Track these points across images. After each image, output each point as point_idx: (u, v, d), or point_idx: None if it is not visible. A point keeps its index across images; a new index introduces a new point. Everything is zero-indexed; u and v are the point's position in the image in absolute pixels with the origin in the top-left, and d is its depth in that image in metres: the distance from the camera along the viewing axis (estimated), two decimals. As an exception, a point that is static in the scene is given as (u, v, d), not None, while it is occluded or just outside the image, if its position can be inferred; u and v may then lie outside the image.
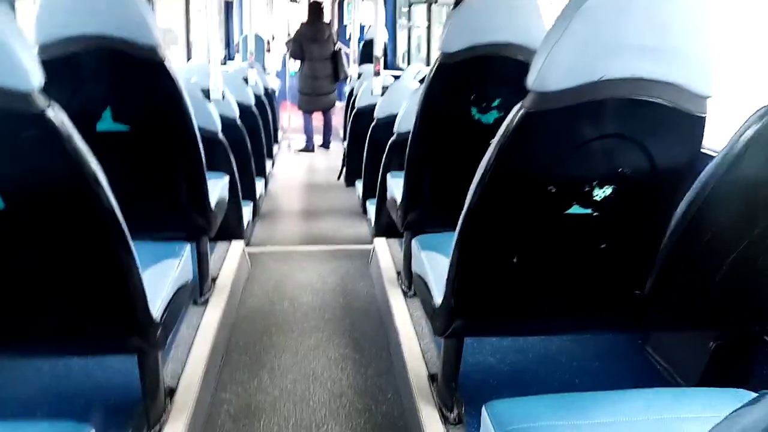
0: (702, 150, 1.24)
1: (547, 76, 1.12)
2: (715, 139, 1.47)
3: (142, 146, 1.85)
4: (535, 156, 1.20)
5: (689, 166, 1.24)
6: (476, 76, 1.90)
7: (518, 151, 1.18)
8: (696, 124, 1.18)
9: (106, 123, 1.77)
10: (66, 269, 1.22)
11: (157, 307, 1.40)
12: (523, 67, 1.79)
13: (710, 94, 1.17)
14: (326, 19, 6.31)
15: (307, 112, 6.38)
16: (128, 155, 1.81)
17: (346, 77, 6.11)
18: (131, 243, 1.22)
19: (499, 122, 1.89)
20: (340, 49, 6.08)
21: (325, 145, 6.69)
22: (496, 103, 1.92)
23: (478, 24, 1.82)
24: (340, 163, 5.00)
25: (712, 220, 1.31)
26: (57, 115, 1.04)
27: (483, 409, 1.09)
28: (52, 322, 1.30)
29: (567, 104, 1.13)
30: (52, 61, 1.62)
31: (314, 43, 5.98)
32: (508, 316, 1.45)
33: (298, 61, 6.23)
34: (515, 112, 1.16)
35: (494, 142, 1.20)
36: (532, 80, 1.14)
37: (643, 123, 1.18)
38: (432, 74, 1.93)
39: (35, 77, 1.00)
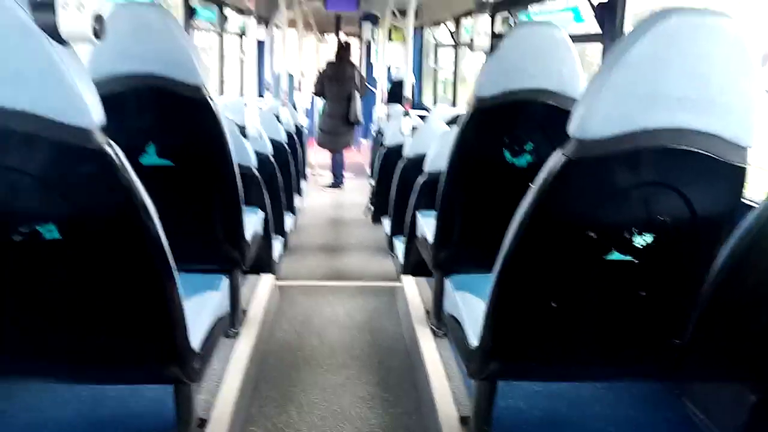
0: (743, 200, 1.25)
1: (588, 123, 1.15)
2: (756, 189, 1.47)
3: (184, 180, 1.91)
4: (575, 202, 1.22)
5: (729, 215, 1.24)
6: (509, 120, 1.94)
7: (558, 197, 1.20)
8: (736, 174, 1.19)
9: (151, 157, 1.85)
10: (112, 298, 1.26)
11: (196, 338, 1.43)
12: (556, 113, 1.85)
13: (750, 144, 1.19)
14: (353, 59, 6.43)
15: (323, 148, 6.46)
16: (170, 189, 1.87)
17: (357, 121, 6.17)
18: (176, 273, 1.26)
19: (531, 165, 1.94)
20: (354, 92, 6.12)
21: (335, 184, 6.60)
22: (528, 147, 1.95)
23: (513, 69, 1.87)
24: (366, 199, 5.06)
25: (753, 270, 1.30)
26: (114, 151, 1.09)
27: None
28: (95, 349, 1.33)
29: (607, 152, 1.16)
30: (101, 96, 1.70)
31: (335, 82, 6.07)
32: (545, 360, 1.44)
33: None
34: (556, 159, 1.19)
35: (533, 187, 1.23)
36: (573, 128, 1.17)
37: (682, 172, 1.20)
38: (466, 117, 1.97)
39: (96, 115, 1.06)
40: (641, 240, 1.23)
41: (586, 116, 1.15)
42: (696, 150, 1.16)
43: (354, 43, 9.66)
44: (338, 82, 6.08)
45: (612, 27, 2.39)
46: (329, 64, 6.30)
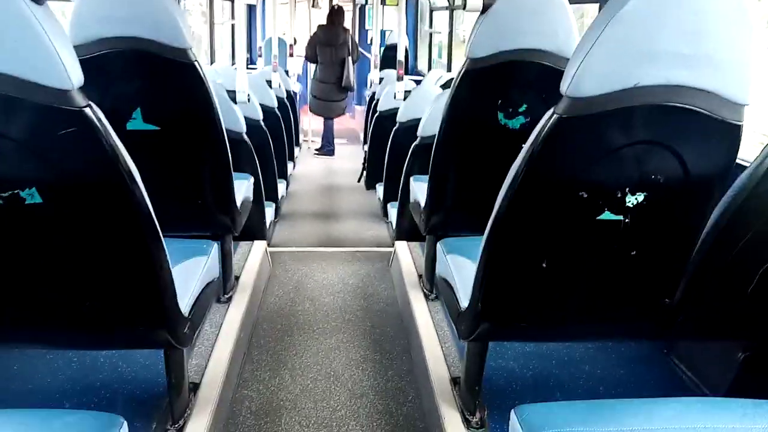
0: (737, 161, 1.23)
1: (581, 82, 1.12)
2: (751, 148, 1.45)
3: (171, 146, 1.88)
4: (567, 162, 1.20)
5: (724, 174, 1.23)
6: (503, 81, 1.90)
7: (550, 156, 1.18)
8: (732, 132, 1.17)
9: (137, 122, 1.81)
10: (99, 263, 1.25)
11: (185, 303, 1.42)
12: (550, 73, 1.81)
13: (747, 102, 1.16)
14: (346, 24, 6.30)
15: (316, 115, 6.37)
16: (157, 154, 1.84)
17: (350, 87, 6.07)
18: (162, 239, 1.24)
19: (525, 127, 1.92)
20: (348, 57, 6.02)
21: (326, 151, 6.51)
22: (522, 108, 1.92)
23: (505, 30, 1.83)
24: (359, 166, 5.02)
25: (745, 230, 1.29)
26: (94, 112, 1.06)
27: (512, 413, 1.09)
28: (84, 315, 1.32)
29: (600, 110, 1.13)
30: (85, 60, 1.66)
31: (328, 47, 5.95)
32: (535, 321, 1.45)
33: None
34: (548, 118, 1.16)
35: (525, 147, 1.21)
36: (565, 86, 1.14)
37: (677, 130, 1.17)
38: (459, 79, 1.93)
39: (75, 76, 1.03)
40: (633, 200, 1.21)
41: (579, 74, 1.12)
42: (691, 107, 1.14)
43: (347, 7, 9.48)
44: (331, 47, 5.97)
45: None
46: (321, 28, 6.16)
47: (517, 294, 1.39)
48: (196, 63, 1.77)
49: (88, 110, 1.04)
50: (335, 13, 6.14)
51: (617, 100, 1.12)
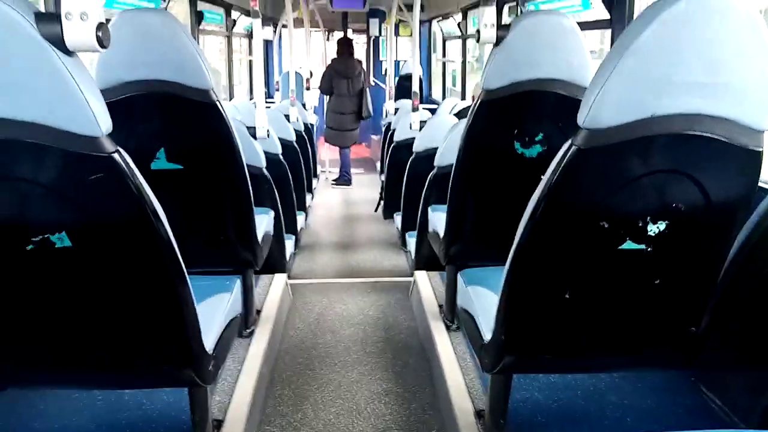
0: (760, 184, 1.22)
1: (598, 113, 1.12)
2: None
3: (194, 184, 1.92)
4: (587, 192, 1.20)
5: (745, 200, 1.21)
6: (519, 111, 1.91)
7: (570, 187, 1.19)
8: (752, 159, 1.16)
9: (161, 162, 1.85)
10: (125, 303, 1.27)
11: (209, 340, 1.43)
12: (566, 101, 1.82)
13: (766, 128, 1.16)
14: (357, 55, 6.42)
15: (332, 145, 6.47)
16: (181, 192, 1.88)
17: (370, 115, 6.18)
18: (187, 277, 1.26)
19: (542, 156, 1.92)
20: (366, 87, 6.14)
21: (343, 181, 6.60)
22: (539, 137, 1.92)
23: (521, 60, 1.85)
24: (377, 195, 5.05)
25: None
26: (122, 157, 1.10)
27: None
28: (110, 354, 1.34)
29: (618, 140, 1.13)
30: (111, 103, 1.71)
31: (343, 78, 6.08)
32: (560, 352, 1.43)
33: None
34: (566, 149, 1.17)
35: (544, 178, 1.21)
36: (583, 117, 1.15)
37: (696, 158, 1.17)
38: (475, 110, 1.95)
39: (104, 123, 1.07)
40: (655, 228, 1.21)
41: (596, 105, 1.12)
42: (710, 135, 1.14)
43: (362, 39, 9.66)
44: (346, 78, 6.08)
45: (621, 13, 2.35)
46: (335, 60, 6.29)
47: (540, 325, 1.37)
48: (218, 103, 1.82)
49: (116, 155, 1.08)
50: (346, 44, 6.27)
51: (635, 130, 1.13)
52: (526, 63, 1.83)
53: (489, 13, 1.86)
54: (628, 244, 1.22)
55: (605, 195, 1.18)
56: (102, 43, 0.99)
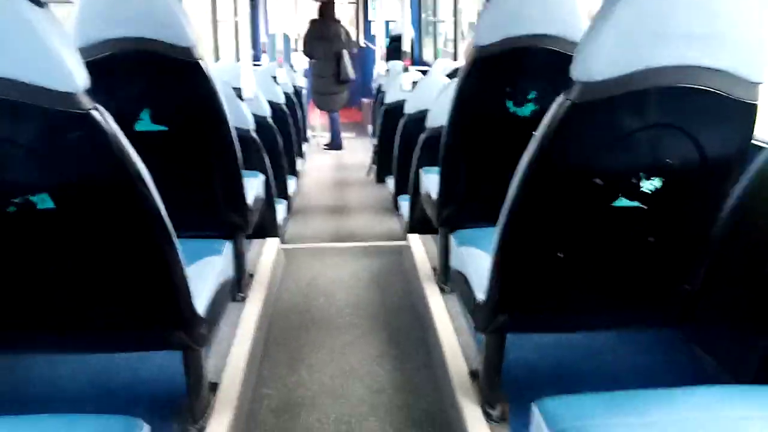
0: (753, 141, 1.20)
1: (592, 65, 1.10)
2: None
3: (180, 146, 1.88)
4: (580, 148, 1.18)
5: (740, 155, 1.20)
6: (511, 68, 1.88)
7: (563, 143, 1.17)
8: (747, 112, 1.14)
9: (145, 123, 1.81)
10: (113, 266, 1.25)
11: (201, 304, 1.42)
12: (559, 59, 1.78)
13: (762, 80, 1.14)
14: (346, 16, 6.29)
15: (320, 109, 6.39)
16: (166, 155, 1.84)
17: (348, 79, 6.06)
18: (175, 240, 1.24)
19: (535, 115, 1.89)
20: (344, 50, 6.02)
21: (334, 146, 6.56)
22: (531, 95, 1.89)
23: (512, 16, 1.80)
24: (368, 159, 5.01)
25: (765, 211, 1.27)
26: (102, 115, 1.06)
27: (533, 407, 1.08)
28: (100, 318, 1.33)
29: (613, 94, 1.11)
30: (90, 63, 1.65)
31: (321, 41, 5.96)
32: (553, 311, 1.43)
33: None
34: (559, 104, 1.14)
35: (537, 134, 1.19)
36: (576, 71, 1.12)
37: (691, 112, 1.15)
38: (466, 68, 1.91)
39: (80, 78, 1.03)
40: (649, 184, 1.19)
41: (589, 58, 1.10)
42: (705, 88, 1.12)
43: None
44: (325, 40, 5.97)
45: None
46: (313, 22, 6.15)
47: (533, 284, 1.37)
48: (200, 61, 1.77)
49: (95, 112, 1.04)
50: (325, 6, 6.14)
51: (629, 83, 1.10)
52: (518, 17, 1.79)
53: None
54: (622, 201, 1.21)
55: (599, 151, 1.17)
56: None
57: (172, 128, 1.82)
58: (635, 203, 1.21)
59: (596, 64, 1.09)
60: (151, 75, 1.78)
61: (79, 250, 1.21)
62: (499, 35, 1.81)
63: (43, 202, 1.10)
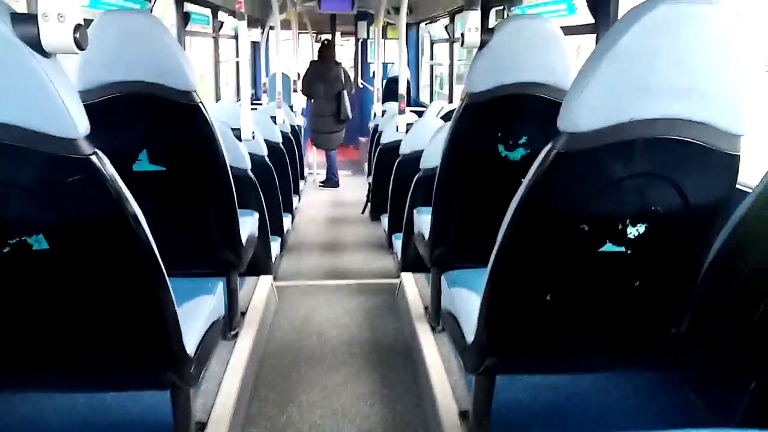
0: (738, 186, 1.24)
1: (578, 117, 1.14)
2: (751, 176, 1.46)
3: (177, 186, 1.91)
4: (566, 195, 1.21)
5: (724, 203, 1.23)
6: (503, 114, 1.93)
7: (550, 190, 1.20)
8: (730, 162, 1.18)
9: (143, 164, 1.84)
10: (104, 306, 1.26)
11: (191, 343, 1.43)
12: (549, 105, 1.84)
13: (742, 132, 1.18)
14: (345, 57, 6.45)
15: (317, 148, 6.49)
16: (163, 194, 1.87)
17: (348, 119, 6.19)
18: (167, 280, 1.25)
19: (526, 159, 1.94)
20: (344, 90, 6.16)
21: (330, 183, 6.64)
22: (522, 140, 1.94)
23: (504, 64, 1.86)
24: (364, 197, 5.05)
25: (749, 257, 1.30)
26: (100, 159, 1.09)
27: None
28: (90, 357, 1.33)
29: (598, 144, 1.15)
30: (91, 105, 1.69)
31: (321, 81, 6.09)
32: (542, 353, 1.44)
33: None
34: (546, 153, 1.18)
35: (525, 181, 1.22)
36: (562, 121, 1.16)
37: (675, 162, 1.19)
38: (459, 113, 1.96)
39: (81, 125, 1.06)
40: (634, 231, 1.22)
41: (575, 109, 1.14)
42: (688, 139, 1.16)
43: (350, 41, 9.66)
44: (324, 81, 6.10)
45: (605, 18, 2.38)
46: (313, 63, 6.30)
47: (522, 327, 1.39)
48: (201, 105, 1.81)
49: (94, 158, 1.07)
50: (325, 48, 6.29)
51: (614, 134, 1.14)
52: (509, 67, 1.85)
53: (473, 17, 1.87)
54: (608, 247, 1.24)
55: (585, 198, 1.20)
56: (79, 44, 0.98)
57: (169, 168, 1.85)
58: (621, 248, 1.24)
59: (582, 116, 1.13)
60: (151, 117, 1.83)
61: (72, 289, 1.22)
62: (492, 83, 1.87)
63: (39, 243, 1.12)
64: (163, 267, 1.22)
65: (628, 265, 1.27)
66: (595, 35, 2.47)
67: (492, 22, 4.33)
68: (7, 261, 1.13)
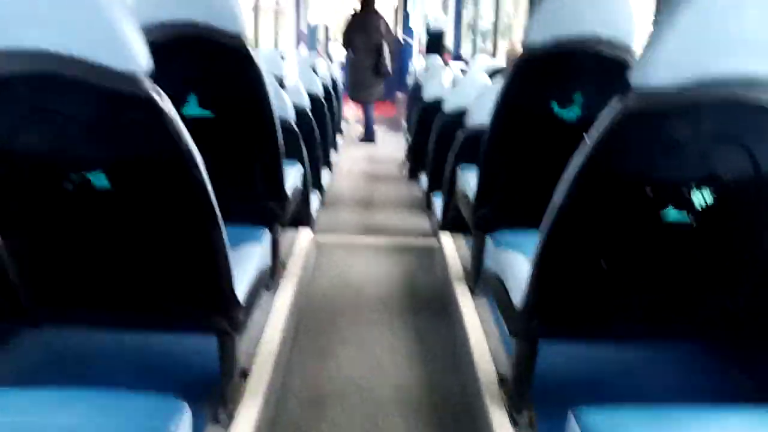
0: None
1: (651, 73, 1.06)
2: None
3: (225, 133, 1.89)
4: (632, 156, 1.15)
5: None
6: (559, 71, 1.84)
7: (615, 150, 1.14)
8: None
9: (191, 108, 1.83)
10: (161, 247, 1.27)
11: (240, 290, 1.44)
12: (608, 63, 1.74)
13: None
14: (379, 9, 6.25)
15: (355, 101, 6.39)
16: (211, 141, 1.85)
17: (388, 74, 6.03)
18: (222, 224, 1.25)
19: (580, 119, 1.85)
20: (384, 43, 5.99)
21: (367, 138, 6.56)
22: (578, 99, 1.85)
23: (564, 17, 1.76)
24: (401, 153, 4.99)
25: None
26: (161, 98, 1.07)
27: (570, 415, 1.06)
28: (145, 297, 1.36)
29: (670, 104, 1.08)
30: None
31: (361, 33, 5.95)
32: (591, 320, 1.41)
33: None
34: (613, 110, 1.11)
35: (588, 140, 1.16)
36: (634, 77, 1.09)
37: (749, 127, 1.11)
38: (513, 69, 1.88)
39: (144, 61, 1.04)
40: (700, 197, 1.16)
41: (649, 64, 1.06)
42: (765, 105, 1.07)
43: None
44: (365, 32, 5.95)
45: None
46: (354, 15, 6.14)
47: (573, 291, 1.35)
48: (250, 49, 1.78)
49: (156, 96, 1.06)
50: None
51: (688, 93, 1.07)
52: (569, 18, 1.75)
53: None
54: (671, 213, 1.18)
55: (651, 159, 1.14)
56: None
57: (217, 114, 1.84)
58: (684, 216, 1.18)
59: (655, 72, 1.06)
60: (201, 60, 1.80)
61: (130, 229, 1.24)
62: (549, 36, 1.77)
63: (99, 180, 1.12)
64: (218, 210, 1.22)
65: (690, 234, 1.21)
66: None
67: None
68: (69, 197, 1.14)
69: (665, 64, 1.05)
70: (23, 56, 1.02)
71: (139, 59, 1.03)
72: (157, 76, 1.10)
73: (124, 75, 1.03)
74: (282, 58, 3.88)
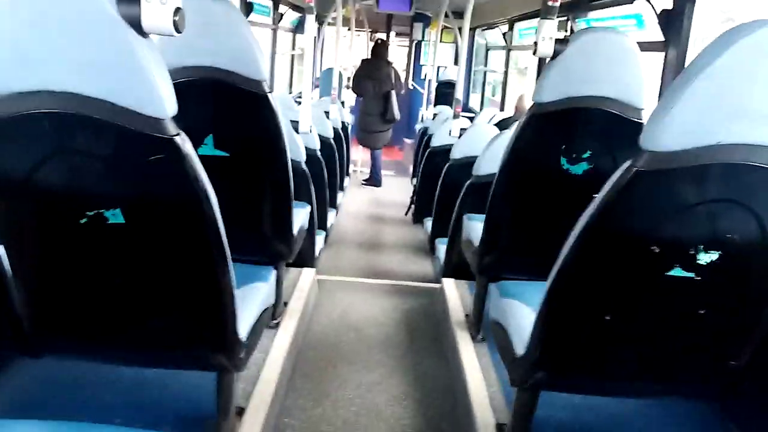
0: None
1: (663, 136, 1.10)
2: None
3: (238, 173, 1.94)
4: (640, 215, 1.17)
5: None
6: (568, 126, 1.89)
7: (624, 208, 1.16)
8: None
9: (208, 148, 1.88)
10: (169, 283, 1.28)
11: (243, 328, 1.44)
12: (617, 121, 1.80)
13: None
14: (396, 58, 6.43)
15: (362, 146, 6.50)
16: (224, 180, 1.88)
17: (394, 120, 6.15)
18: (230, 262, 1.27)
19: (588, 174, 1.89)
20: (392, 91, 6.14)
21: (373, 182, 6.65)
22: (586, 154, 1.90)
23: (576, 76, 1.82)
24: (406, 198, 5.04)
25: None
26: (183, 141, 1.11)
27: None
28: (146, 332, 1.36)
29: (680, 165, 1.11)
30: None
31: (370, 80, 6.09)
32: (593, 373, 1.40)
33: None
34: (625, 170, 1.14)
35: (597, 198, 1.19)
36: (645, 139, 1.13)
37: (756, 190, 1.14)
38: (524, 121, 1.93)
39: (170, 106, 1.08)
40: (706, 257, 1.18)
41: (661, 127, 1.10)
42: None
43: (404, 42, 9.68)
44: (374, 80, 6.09)
45: (677, 35, 2.31)
46: (364, 62, 6.30)
47: (576, 344, 1.35)
48: (269, 95, 1.84)
49: (178, 138, 1.09)
50: (378, 47, 6.29)
51: (698, 157, 1.10)
52: (581, 79, 1.81)
53: (548, 26, 1.84)
54: (677, 271, 1.19)
55: (659, 220, 1.16)
56: (177, 27, 1.01)
57: (232, 155, 1.88)
58: (690, 274, 1.20)
59: (668, 135, 1.09)
60: (221, 103, 1.86)
61: (139, 265, 1.25)
62: (561, 94, 1.83)
63: (115, 216, 1.15)
64: (227, 249, 1.24)
65: (695, 291, 1.22)
66: (663, 53, 2.40)
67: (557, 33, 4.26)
68: (83, 232, 1.16)
69: (676, 129, 1.09)
70: (49, 96, 1.05)
71: (165, 103, 1.07)
72: (177, 117, 1.14)
73: (149, 118, 1.06)
74: (297, 102, 3.98)
